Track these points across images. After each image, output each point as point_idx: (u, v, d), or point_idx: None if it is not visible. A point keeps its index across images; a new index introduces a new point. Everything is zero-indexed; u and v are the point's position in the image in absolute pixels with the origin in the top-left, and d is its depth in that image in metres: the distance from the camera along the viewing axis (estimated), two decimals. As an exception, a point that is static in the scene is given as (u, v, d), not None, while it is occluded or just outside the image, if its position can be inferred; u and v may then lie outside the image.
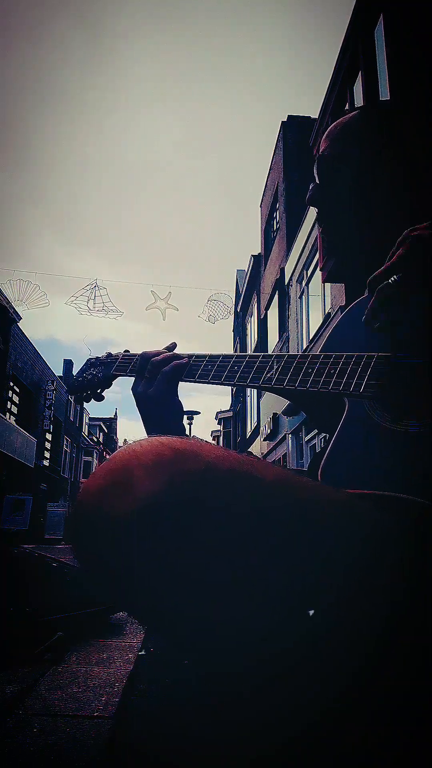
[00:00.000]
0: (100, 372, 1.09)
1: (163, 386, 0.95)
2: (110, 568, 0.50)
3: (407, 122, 0.94)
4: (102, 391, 1.12)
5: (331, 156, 0.94)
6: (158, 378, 0.95)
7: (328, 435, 0.75)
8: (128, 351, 1.10)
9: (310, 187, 0.98)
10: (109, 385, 1.11)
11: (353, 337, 0.81)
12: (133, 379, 1.02)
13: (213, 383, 0.92)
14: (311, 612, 0.52)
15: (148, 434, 0.95)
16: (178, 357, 0.97)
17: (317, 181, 0.96)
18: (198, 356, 0.97)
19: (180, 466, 0.50)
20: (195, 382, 0.94)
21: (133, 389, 1.00)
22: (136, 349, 1.11)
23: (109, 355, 1.11)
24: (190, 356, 0.98)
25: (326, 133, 0.98)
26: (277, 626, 0.53)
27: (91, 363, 1.13)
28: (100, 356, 1.13)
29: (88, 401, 1.16)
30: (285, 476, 0.55)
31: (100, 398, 1.13)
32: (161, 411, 0.94)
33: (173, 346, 1.02)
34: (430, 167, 0.90)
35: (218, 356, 0.94)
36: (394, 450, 0.65)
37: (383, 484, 0.63)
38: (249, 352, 0.95)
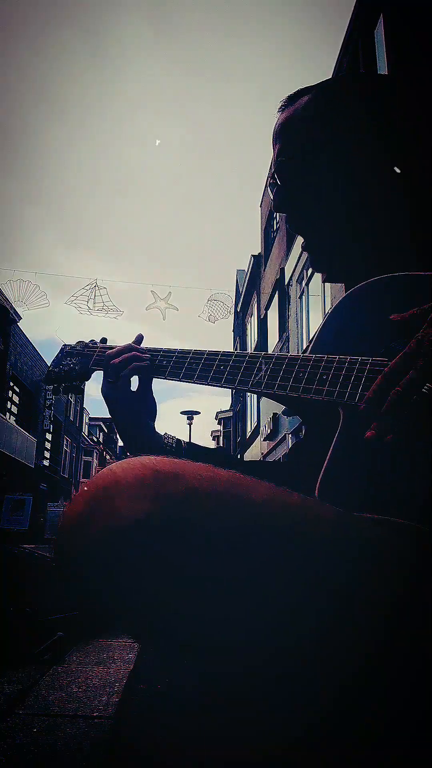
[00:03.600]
0: (77, 364, 0.99)
1: (126, 389, 0.88)
2: (91, 593, 0.50)
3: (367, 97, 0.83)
4: (81, 384, 1.01)
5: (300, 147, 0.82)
6: (121, 380, 0.88)
7: (322, 443, 0.72)
8: (106, 341, 0.99)
9: (273, 193, 0.87)
10: (87, 379, 1.00)
11: (348, 329, 0.74)
12: None
13: (198, 383, 0.81)
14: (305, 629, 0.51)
15: (119, 435, 0.92)
16: (138, 358, 0.88)
17: (280, 183, 0.85)
18: (168, 352, 0.87)
19: (161, 489, 0.49)
20: (176, 380, 0.84)
21: (101, 390, 0.92)
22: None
23: (85, 345, 1.00)
24: (157, 351, 0.88)
25: (278, 130, 0.85)
26: (269, 644, 0.53)
27: (66, 352, 1.02)
28: (74, 345, 1.02)
29: (66, 393, 1.06)
30: (275, 495, 0.53)
31: (79, 391, 1.04)
32: (126, 414, 0.89)
33: (139, 338, 0.93)
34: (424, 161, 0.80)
35: (188, 352, 0.84)
36: (395, 460, 0.62)
37: (385, 496, 0.61)
38: (235, 351, 0.85)
